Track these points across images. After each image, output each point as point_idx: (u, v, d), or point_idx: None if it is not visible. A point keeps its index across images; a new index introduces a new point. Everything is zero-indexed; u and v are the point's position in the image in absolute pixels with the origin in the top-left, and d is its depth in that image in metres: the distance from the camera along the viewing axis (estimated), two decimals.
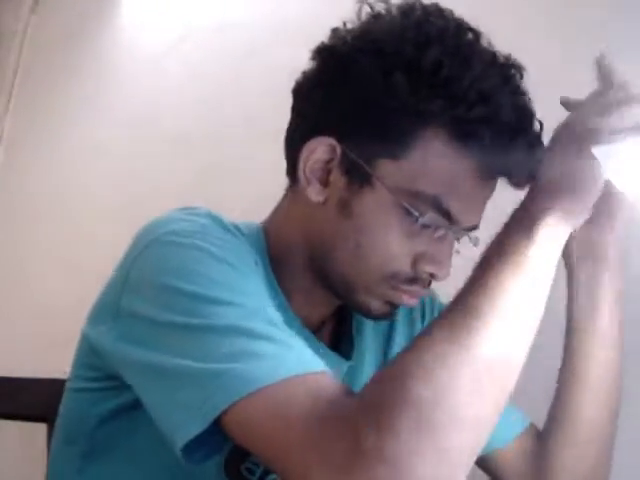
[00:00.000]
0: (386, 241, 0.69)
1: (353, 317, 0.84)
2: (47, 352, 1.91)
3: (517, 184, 0.70)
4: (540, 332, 0.62)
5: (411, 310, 0.87)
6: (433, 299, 0.90)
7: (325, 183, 0.71)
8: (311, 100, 0.74)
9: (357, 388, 0.76)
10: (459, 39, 0.68)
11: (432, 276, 0.71)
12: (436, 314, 0.88)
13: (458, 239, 0.73)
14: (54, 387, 1.22)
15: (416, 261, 0.70)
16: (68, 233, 2.08)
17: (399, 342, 0.85)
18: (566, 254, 0.78)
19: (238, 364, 0.56)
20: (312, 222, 0.73)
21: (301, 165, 0.72)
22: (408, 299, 0.72)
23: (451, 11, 0.71)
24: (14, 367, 1.37)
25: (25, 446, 1.63)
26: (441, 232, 0.69)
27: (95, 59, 2.28)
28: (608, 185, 0.64)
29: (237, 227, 0.74)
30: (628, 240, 1.06)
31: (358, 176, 0.69)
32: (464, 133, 0.66)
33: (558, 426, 0.85)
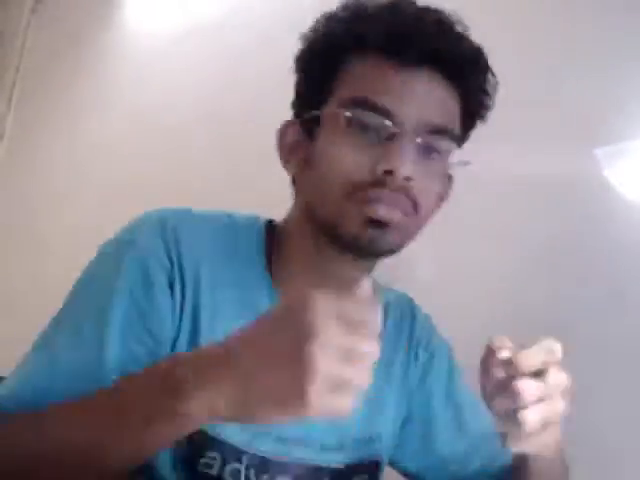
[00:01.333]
0: (337, 156, 0.71)
1: None
2: None
3: (449, 73, 0.72)
4: None
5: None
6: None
7: (301, 154, 0.77)
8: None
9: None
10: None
11: (389, 173, 0.70)
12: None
13: (430, 148, 0.73)
14: None
15: (373, 167, 0.71)
16: (70, 231, 2.08)
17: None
18: None
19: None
20: (302, 194, 0.78)
21: (279, 151, 0.78)
22: (384, 209, 0.70)
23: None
24: (14, 367, 1.37)
25: None
26: (386, 132, 0.70)
27: (96, 58, 2.28)
28: None
29: (232, 224, 0.80)
30: (628, 241, 1.06)
31: (312, 127, 0.75)
32: (365, 36, 0.72)
33: None
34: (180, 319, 0.71)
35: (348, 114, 0.70)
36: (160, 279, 0.70)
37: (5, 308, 2.18)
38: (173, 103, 1.91)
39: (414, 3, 0.74)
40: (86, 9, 2.35)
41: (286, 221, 0.81)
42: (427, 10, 0.73)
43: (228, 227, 0.78)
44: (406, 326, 0.88)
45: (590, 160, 1.06)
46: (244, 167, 1.63)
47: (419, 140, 0.71)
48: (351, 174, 0.70)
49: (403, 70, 0.71)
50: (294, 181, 0.79)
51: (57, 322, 0.70)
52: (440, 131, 0.72)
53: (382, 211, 0.70)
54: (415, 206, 0.72)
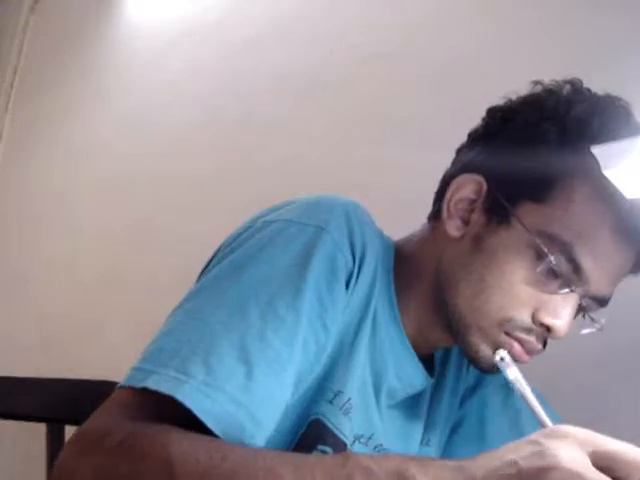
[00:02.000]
0: (510, 281, 0.68)
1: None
2: (47, 352, 1.91)
3: None
4: None
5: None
6: None
7: (466, 221, 0.73)
8: (471, 146, 0.77)
9: (436, 407, 0.80)
10: (608, 104, 0.71)
11: (548, 330, 0.69)
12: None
13: (583, 308, 0.71)
14: (54, 387, 1.23)
15: (535, 312, 0.69)
16: (69, 232, 2.08)
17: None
18: None
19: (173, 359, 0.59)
20: (444, 253, 0.74)
21: (447, 198, 0.74)
22: (519, 351, 0.70)
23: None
24: (14, 367, 1.37)
25: (25, 446, 1.63)
26: (566, 290, 0.68)
27: (95, 59, 2.28)
28: None
29: (381, 232, 0.77)
30: None
31: (498, 214, 0.71)
32: (609, 191, 0.66)
33: None
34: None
35: (545, 250, 0.66)
36: (342, 274, 0.68)
37: (4, 308, 2.18)
38: (173, 102, 1.91)
39: None
40: (85, 9, 2.35)
41: (411, 254, 0.78)
42: None
43: (384, 241, 0.77)
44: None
45: None
46: (243, 165, 1.63)
47: (583, 303, 0.70)
48: (514, 307, 0.69)
49: (620, 243, 0.68)
50: (437, 217, 0.76)
51: (222, 302, 0.63)
52: (604, 302, 0.71)
53: (517, 354, 0.70)
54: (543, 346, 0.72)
